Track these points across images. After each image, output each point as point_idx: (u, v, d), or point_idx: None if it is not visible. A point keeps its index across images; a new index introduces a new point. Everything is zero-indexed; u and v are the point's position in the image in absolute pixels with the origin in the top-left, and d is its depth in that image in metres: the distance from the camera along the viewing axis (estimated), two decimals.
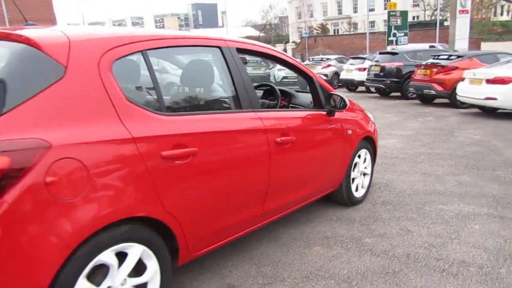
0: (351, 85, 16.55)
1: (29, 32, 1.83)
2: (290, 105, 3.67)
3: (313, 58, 19.82)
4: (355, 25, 48.96)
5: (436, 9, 42.09)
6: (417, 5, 46.55)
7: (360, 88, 16.17)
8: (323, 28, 46.34)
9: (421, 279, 2.58)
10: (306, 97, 3.63)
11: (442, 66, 10.81)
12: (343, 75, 16.63)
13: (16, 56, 1.78)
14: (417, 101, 12.09)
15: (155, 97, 2.12)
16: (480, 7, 40.77)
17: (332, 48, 34.04)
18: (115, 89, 1.90)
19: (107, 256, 1.80)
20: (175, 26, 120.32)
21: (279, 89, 3.49)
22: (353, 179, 3.78)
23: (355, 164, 3.77)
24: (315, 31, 46.16)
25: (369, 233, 3.28)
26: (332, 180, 3.47)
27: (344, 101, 3.23)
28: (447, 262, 2.80)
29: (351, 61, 17.20)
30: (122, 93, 1.92)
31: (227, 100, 2.59)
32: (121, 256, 1.88)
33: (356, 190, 3.85)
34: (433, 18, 41.77)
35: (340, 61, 18.88)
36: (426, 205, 3.86)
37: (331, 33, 49.80)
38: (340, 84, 17.26)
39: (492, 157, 5.57)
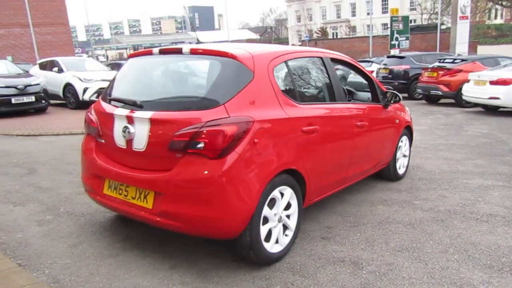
0: None
1: (230, 49, 2.83)
2: (352, 100, 4.71)
3: None
4: (354, 28, 50.25)
5: (432, 13, 43.43)
6: (414, 9, 47.93)
7: None
8: (323, 31, 47.61)
9: (462, 224, 3.62)
10: (363, 94, 4.66)
11: (448, 69, 11.91)
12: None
13: (227, 65, 2.77)
14: (423, 101, 13.19)
15: (294, 91, 3.14)
16: (475, 11, 42.19)
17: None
18: (276, 86, 2.92)
19: (276, 193, 2.83)
20: (172, 28, 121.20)
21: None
22: (397, 159, 4.82)
23: (399, 147, 4.81)
24: (315, 35, 47.47)
25: (415, 197, 4.32)
26: (386, 158, 4.50)
27: (397, 96, 4.28)
28: (478, 214, 3.83)
29: None
30: (279, 89, 2.94)
31: (328, 94, 3.62)
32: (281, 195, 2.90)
33: (399, 168, 4.89)
34: (430, 22, 43.18)
35: None
36: (454, 180, 4.91)
37: (330, 36, 51.02)
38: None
39: (500, 146, 6.64)
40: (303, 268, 2.85)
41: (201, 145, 2.51)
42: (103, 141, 3.09)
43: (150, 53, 3.20)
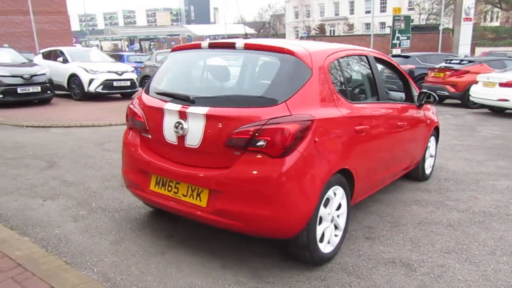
0: None
1: (287, 46, 2.77)
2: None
3: None
4: (351, 26, 50.30)
5: (430, 13, 43.61)
6: (412, 9, 48.04)
7: None
8: (321, 28, 47.56)
9: (502, 225, 3.62)
10: (395, 94, 4.63)
11: (455, 70, 11.95)
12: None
13: (286, 62, 2.71)
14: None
15: (346, 90, 3.10)
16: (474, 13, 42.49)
17: None
18: (331, 84, 2.87)
19: (331, 193, 2.78)
20: (167, 21, 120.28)
21: None
22: (426, 159, 4.81)
23: (428, 147, 4.79)
24: (313, 31, 47.42)
25: (447, 198, 4.31)
26: (418, 157, 4.49)
27: (430, 96, 4.26)
28: None
29: None
30: (333, 87, 2.90)
31: (374, 93, 3.57)
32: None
33: (427, 168, 4.87)
34: (427, 22, 43.38)
35: None
36: (480, 181, 4.91)
37: (328, 33, 51.01)
38: None
39: None
40: (356, 269, 2.82)
41: (263, 143, 2.46)
42: (149, 136, 3.02)
43: (198, 47, 3.13)
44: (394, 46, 23.05)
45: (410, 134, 4.07)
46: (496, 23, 52.19)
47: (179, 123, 2.74)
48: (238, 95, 2.83)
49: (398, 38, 23.31)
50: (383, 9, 49.46)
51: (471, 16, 17.88)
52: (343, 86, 3.13)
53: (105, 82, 11.47)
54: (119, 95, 12.40)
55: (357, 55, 3.50)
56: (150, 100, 3.06)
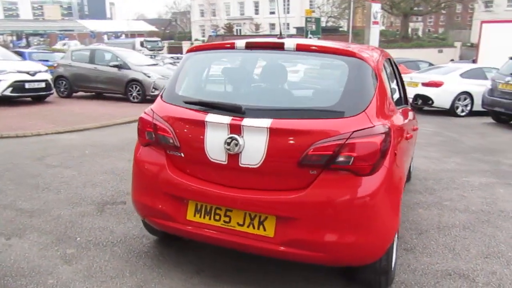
0: None
1: (352, 49, 2.45)
2: None
3: None
4: (258, 26, 51.29)
5: (330, 16, 46.42)
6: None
7: None
8: (230, 27, 47.63)
9: (505, 223, 3.77)
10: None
11: None
12: None
13: (355, 67, 2.39)
14: None
15: (392, 95, 2.89)
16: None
17: None
18: (389, 89, 2.65)
19: None
20: (56, 15, 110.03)
21: None
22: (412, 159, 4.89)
23: None
24: (222, 30, 47.27)
25: (440, 198, 4.40)
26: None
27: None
28: (509, 212, 4.04)
29: None
30: (390, 93, 2.68)
31: (402, 98, 3.44)
32: None
33: (412, 168, 4.96)
34: (327, 24, 46.12)
35: None
36: (454, 178, 5.15)
37: (235, 33, 51.34)
38: None
39: (459, 145, 7.24)
40: (422, 287, 2.65)
41: (348, 159, 2.14)
42: (181, 154, 2.48)
43: (231, 47, 2.66)
44: None
45: (413, 137, 4.05)
46: (382, 27, 57.69)
47: (233, 138, 2.27)
48: (306, 104, 2.46)
49: (310, 39, 24.37)
50: (286, 10, 51.21)
51: (378, 20, 19.45)
52: (390, 91, 2.94)
53: (15, 84, 9.85)
54: (29, 99, 10.78)
55: (388, 58, 3.34)
56: (180, 111, 2.51)
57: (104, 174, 4.87)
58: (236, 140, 2.27)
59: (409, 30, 45.85)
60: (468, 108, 10.75)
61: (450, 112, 10.68)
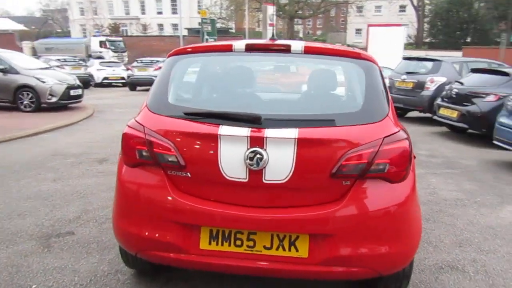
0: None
1: (361, 52, 2.35)
2: None
3: (141, 60, 19.62)
4: (146, 26, 49.21)
5: (219, 18, 46.79)
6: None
7: None
8: (116, 27, 44.77)
9: (456, 210, 4.11)
10: None
11: None
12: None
13: (370, 70, 2.28)
14: None
15: None
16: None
17: (130, 49, 33.62)
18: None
19: None
20: None
21: None
22: None
23: None
24: (108, 30, 44.18)
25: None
26: None
27: None
28: (451, 200, 4.42)
29: None
30: None
31: None
32: None
33: None
34: (217, 26, 46.46)
35: None
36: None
37: (121, 33, 48.57)
38: None
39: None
40: (427, 284, 2.70)
41: (383, 167, 2.05)
42: (188, 174, 2.12)
43: (228, 50, 2.36)
44: None
45: None
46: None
47: (256, 152, 2.01)
48: (329, 110, 2.27)
49: (207, 40, 24.23)
50: (174, 11, 50.13)
51: (273, 22, 20.20)
52: None
53: None
54: None
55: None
56: (182, 124, 2.15)
57: (28, 200, 4.07)
58: (260, 154, 2.01)
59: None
60: None
61: None
